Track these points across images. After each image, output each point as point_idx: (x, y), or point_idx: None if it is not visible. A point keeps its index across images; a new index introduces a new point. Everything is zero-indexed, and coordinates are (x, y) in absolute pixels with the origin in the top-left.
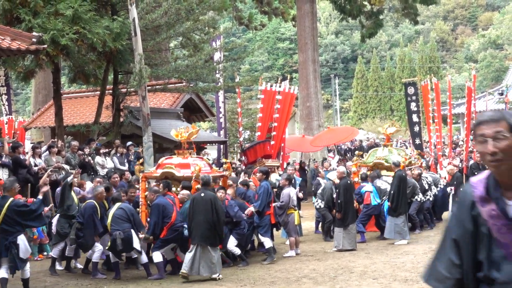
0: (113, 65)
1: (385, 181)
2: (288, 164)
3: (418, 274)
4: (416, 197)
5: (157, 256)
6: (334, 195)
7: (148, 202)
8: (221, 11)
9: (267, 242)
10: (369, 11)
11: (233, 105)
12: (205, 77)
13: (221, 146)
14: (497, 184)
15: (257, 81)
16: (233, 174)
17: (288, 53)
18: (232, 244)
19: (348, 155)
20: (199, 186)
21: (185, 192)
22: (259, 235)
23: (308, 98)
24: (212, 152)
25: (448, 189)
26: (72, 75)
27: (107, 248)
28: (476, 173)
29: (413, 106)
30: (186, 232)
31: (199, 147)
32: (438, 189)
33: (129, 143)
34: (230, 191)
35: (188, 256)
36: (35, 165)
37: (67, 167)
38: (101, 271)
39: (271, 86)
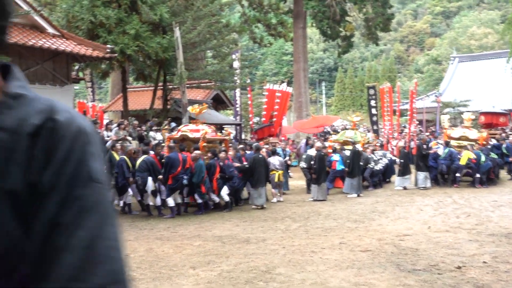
0: (163, 69)
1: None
2: (287, 140)
3: (365, 218)
4: (369, 165)
5: (170, 201)
6: (312, 163)
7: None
8: (241, 33)
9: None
10: (344, 36)
11: (247, 98)
12: (227, 79)
13: (237, 127)
14: None
15: (263, 83)
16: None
17: (290, 63)
18: (224, 192)
19: (327, 136)
20: (205, 144)
21: (198, 152)
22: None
23: (299, 96)
24: (232, 131)
25: (397, 160)
26: (135, 75)
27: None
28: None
29: (372, 103)
30: (185, 181)
31: (221, 127)
32: (387, 160)
33: (173, 124)
34: (231, 152)
35: (255, 193)
36: (107, 136)
37: (129, 138)
38: (134, 210)
39: (273, 86)
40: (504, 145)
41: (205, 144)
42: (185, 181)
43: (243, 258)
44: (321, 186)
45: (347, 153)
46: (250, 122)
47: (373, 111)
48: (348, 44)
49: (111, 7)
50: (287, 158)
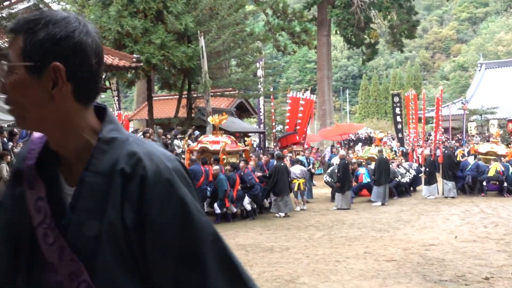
0: (188, 78)
1: None
2: (309, 148)
3: (390, 227)
4: (396, 179)
5: None
6: (336, 171)
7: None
8: (265, 42)
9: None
10: (368, 43)
11: (270, 107)
12: (251, 87)
13: (261, 135)
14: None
15: (287, 91)
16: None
17: (313, 71)
18: (246, 202)
19: (352, 144)
20: (224, 156)
21: (217, 167)
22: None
23: (323, 103)
24: (256, 139)
25: (422, 169)
26: (160, 84)
27: None
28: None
29: (397, 110)
30: (208, 193)
31: (245, 135)
32: (414, 172)
33: (197, 132)
34: (252, 162)
35: (280, 202)
36: None
37: None
38: None
39: (296, 94)
40: None
41: (224, 156)
42: (208, 193)
43: (267, 267)
44: (345, 194)
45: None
46: (273, 130)
47: (398, 118)
48: (372, 51)
49: (137, 17)
50: (311, 166)
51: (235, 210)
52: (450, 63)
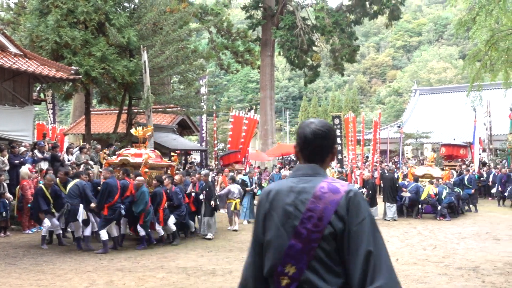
0: (129, 93)
1: None
2: (250, 168)
3: None
4: None
5: (104, 234)
6: None
7: (103, 179)
8: (208, 59)
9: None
10: (310, 65)
11: (212, 124)
12: (193, 104)
13: (203, 153)
14: None
15: (229, 109)
16: (206, 171)
17: (255, 91)
18: (171, 222)
19: (292, 164)
20: (146, 170)
21: (140, 178)
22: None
23: (265, 123)
24: (197, 157)
25: (363, 190)
26: (99, 98)
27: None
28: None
29: (337, 132)
30: (123, 211)
31: (186, 153)
32: None
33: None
34: (177, 177)
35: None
36: (68, 160)
37: (91, 162)
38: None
39: (239, 113)
40: (466, 177)
41: (146, 170)
42: (122, 211)
43: None
44: None
45: None
46: (215, 149)
47: (338, 140)
48: (314, 73)
49: (77, 28)
50: (254, 186)
51: (162, 233)
52: (386, 88)
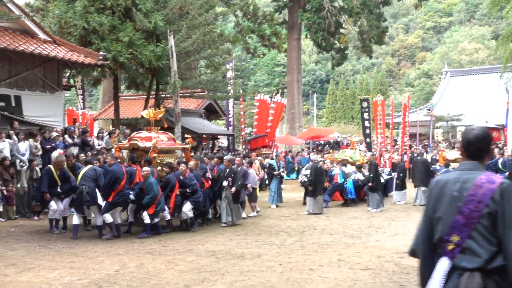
0: (156, 78)
1: (349, 169)
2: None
3: (362, 233)
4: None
5: (108, 217)
6: (308, 175)
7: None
8: (235, 43)
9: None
10: (338, 48)
11: (239, 109)
12: (220, 89)
13: (230, 137)
14: None
15: (255, 93)
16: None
17: (282, 74)
18: (187, 208)
19: (320, 148)
20: (155, 154)
21: (147, 169)
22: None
23: (293, 107)
24: (224, 141)
25: (393, 174)
26: (127, 83)
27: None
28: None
29: (365, 115)
30: (132, 197)
31: (214, 137)
32: (385, 175)
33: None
34: (192, 162)
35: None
36: (98, 145)
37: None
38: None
39: (265, 97)
40: (500, 161)
41: (155, 154)
42: (131, 196)
43: (238, 276)
44: (317, 199)
45: (345, 169)
46: (242, 133)
47: (366, 123)
48: (342, 56)
49: (104, 14)
50: (281, 170)
51: (169, 217)
52: (415, 70)
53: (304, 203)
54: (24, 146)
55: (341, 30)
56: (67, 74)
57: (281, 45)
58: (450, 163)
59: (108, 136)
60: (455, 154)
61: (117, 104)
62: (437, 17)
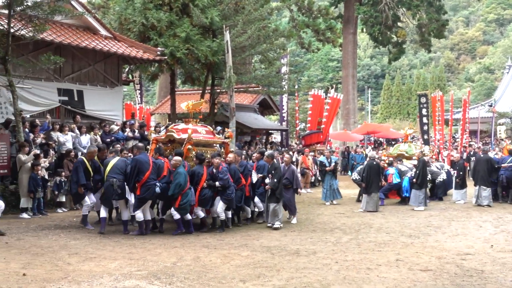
0: (212, 73)
1: (405, 165)
2: (330, 148)
3: (420, 232)
4: (439, 178)
5: (139, 215)
6: (362, 172)
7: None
8: (289, 38)
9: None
10: (395, 42)
11: (293, 104)
12: (274, 84)
13: (283, 132)
14: None
15: (309, 88)
16: (290, 153)
17: (335, 69)
18: (221, 208)
19: (376, 144)
20: (190, 146)
21: (177, 158)
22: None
23: (347, 102)
24: (277, 137)
25: (452, 171)
26: (183, 78)
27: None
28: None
29: (423, 111)
30: (158, 189)
31: (268, 132)
32: (446, 172)
33: (219, 127)
34: (231, 155)
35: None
36: None
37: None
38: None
39: (319, 92)
40: None
41: (190, 146)
42: (157, 189)
43: (294, 273)
44: (371, 196)
45: (402, 165)
46: (297, 128)
47: (424, 120)
48: (399, 50)
49: (162, 10)
50: (331, 166)
51: (202, 214)
52: (476, 64)
53: (359, 200)
54: (85, 139)
55: (399, 24)
56: (126, 69)
57: (336, 40)
58: None
59: (164, 130)
60: None
61: (173, 99)
62: (500, 9)
